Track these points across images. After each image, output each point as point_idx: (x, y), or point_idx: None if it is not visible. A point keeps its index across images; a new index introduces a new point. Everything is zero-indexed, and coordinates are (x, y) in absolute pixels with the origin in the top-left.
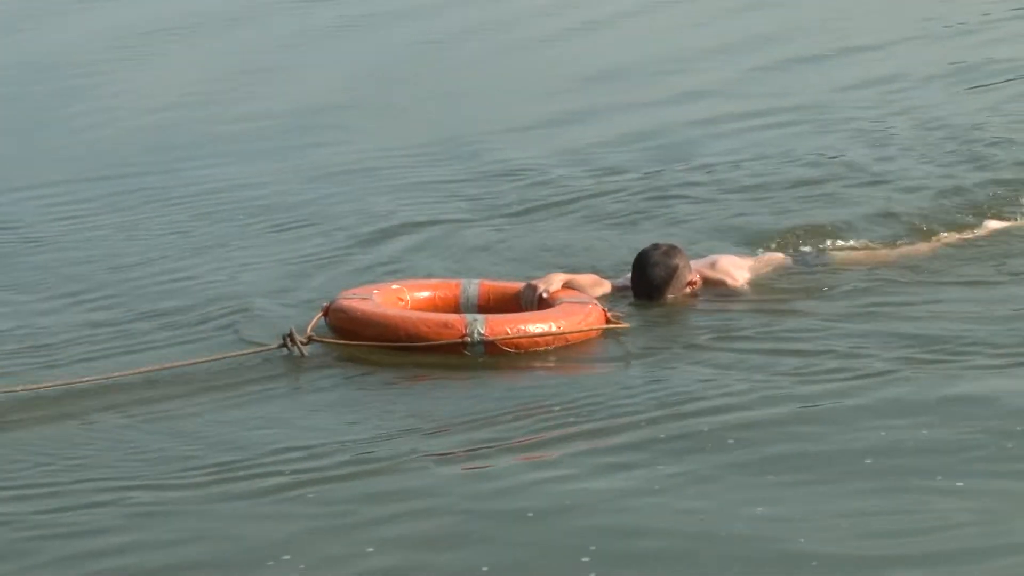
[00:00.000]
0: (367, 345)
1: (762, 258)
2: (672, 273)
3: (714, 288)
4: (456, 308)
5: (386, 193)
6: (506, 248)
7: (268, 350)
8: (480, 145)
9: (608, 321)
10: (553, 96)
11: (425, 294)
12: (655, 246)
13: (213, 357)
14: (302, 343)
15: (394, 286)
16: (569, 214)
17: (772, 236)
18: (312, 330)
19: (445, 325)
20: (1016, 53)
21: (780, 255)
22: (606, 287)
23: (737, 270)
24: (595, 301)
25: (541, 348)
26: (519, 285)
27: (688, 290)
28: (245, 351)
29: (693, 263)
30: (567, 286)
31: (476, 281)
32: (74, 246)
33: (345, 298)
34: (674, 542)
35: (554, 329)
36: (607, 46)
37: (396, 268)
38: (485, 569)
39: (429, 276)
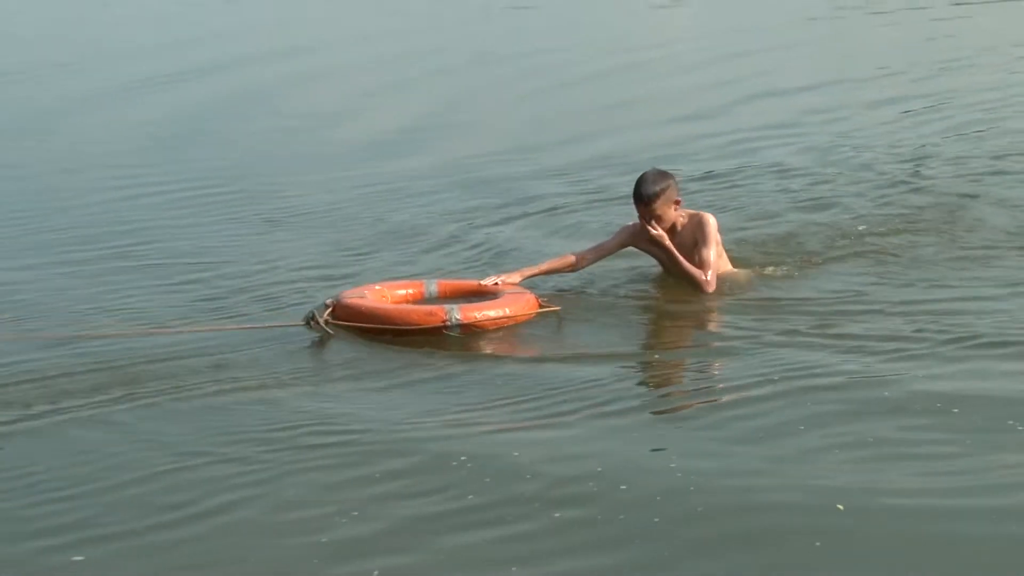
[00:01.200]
0: (374, 329)
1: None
2: (664, 180)
3: (694, 226)
4: (422, 301)
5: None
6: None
7: (294, 325)
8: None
9: (540, 306)
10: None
11: (401, 292)
12: (653, 168)
13: (246, 326)
14: (323, 323)
15: (376, 287)
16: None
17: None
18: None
19: (430, 313)
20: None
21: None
22: (569, 259)
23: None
24: (529, 292)
25: (495, 328)
26: (467, 281)
27: (674, 208)
28: (272, 323)
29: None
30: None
31: (435, 280)
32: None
33: (348, 297)
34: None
35: (506, 313)
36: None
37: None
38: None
39: (396, 279)
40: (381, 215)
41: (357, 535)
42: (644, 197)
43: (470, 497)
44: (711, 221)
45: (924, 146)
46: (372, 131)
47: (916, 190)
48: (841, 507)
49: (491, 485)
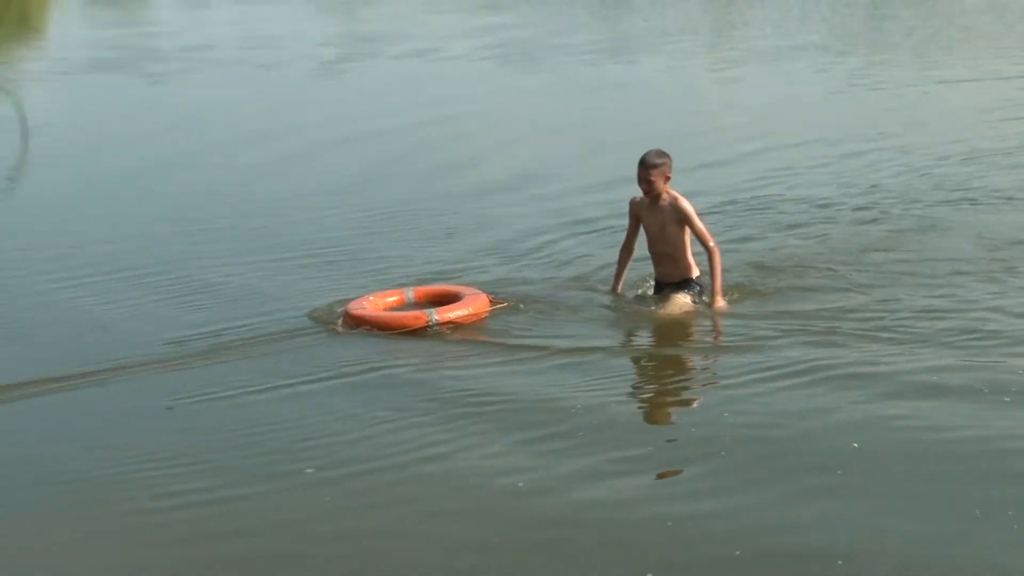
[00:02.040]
0: (376, 332)
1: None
2: (663, 157)
3: (675, 205)
4: (405, 306)
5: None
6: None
7: (332, 328)
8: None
9: (492, 303)
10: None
11: (390, 299)
12: (658, 148)
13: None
14: (338, 329)
15: (371, 297)
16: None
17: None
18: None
19: (416, 318)
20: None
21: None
22: (626, 255)
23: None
24: (483, 294)
25: (463, 323)
26: (436, 287)
27: (664, 182)
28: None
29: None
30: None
31: (412, 288)
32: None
33: (352, 308)
34: None
35: (469, 311)
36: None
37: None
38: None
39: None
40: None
41: (545, 476)
42: (646, 162)
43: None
44: (688, 203)
45: (894, 185)
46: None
47: (881, 218)
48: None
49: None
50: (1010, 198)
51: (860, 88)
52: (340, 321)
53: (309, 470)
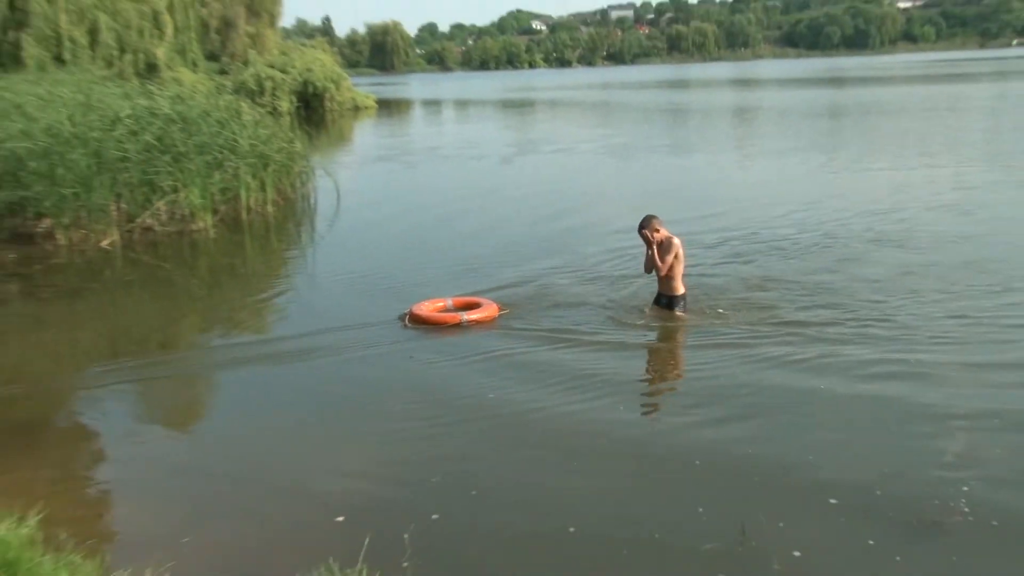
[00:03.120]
0: (432, 328)
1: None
2: (648, 220)
3: (667, 242)
4: (446, 310)
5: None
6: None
7: (402, 322)
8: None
9: (500, 309)
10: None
11: (437, 305)
12: (651, 214)
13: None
14: (406, 324)
15: (426, 304)
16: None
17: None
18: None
19: (454, 317)
20: None
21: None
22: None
23: (675, 248)
24: (495, 303)
25: (481, 322)
26: (467, 298)
27: (657, 232)
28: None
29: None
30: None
31: (451, 298)
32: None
33: (415, 309)
34: None
35: (486, 315)
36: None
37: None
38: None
39: (434, 298)
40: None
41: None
42: (639, 225)
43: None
44: (675, 242)
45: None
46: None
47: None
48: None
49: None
50: (900, 244)
51: (824, 173)
52: (407, 318)
53: (480, 415)
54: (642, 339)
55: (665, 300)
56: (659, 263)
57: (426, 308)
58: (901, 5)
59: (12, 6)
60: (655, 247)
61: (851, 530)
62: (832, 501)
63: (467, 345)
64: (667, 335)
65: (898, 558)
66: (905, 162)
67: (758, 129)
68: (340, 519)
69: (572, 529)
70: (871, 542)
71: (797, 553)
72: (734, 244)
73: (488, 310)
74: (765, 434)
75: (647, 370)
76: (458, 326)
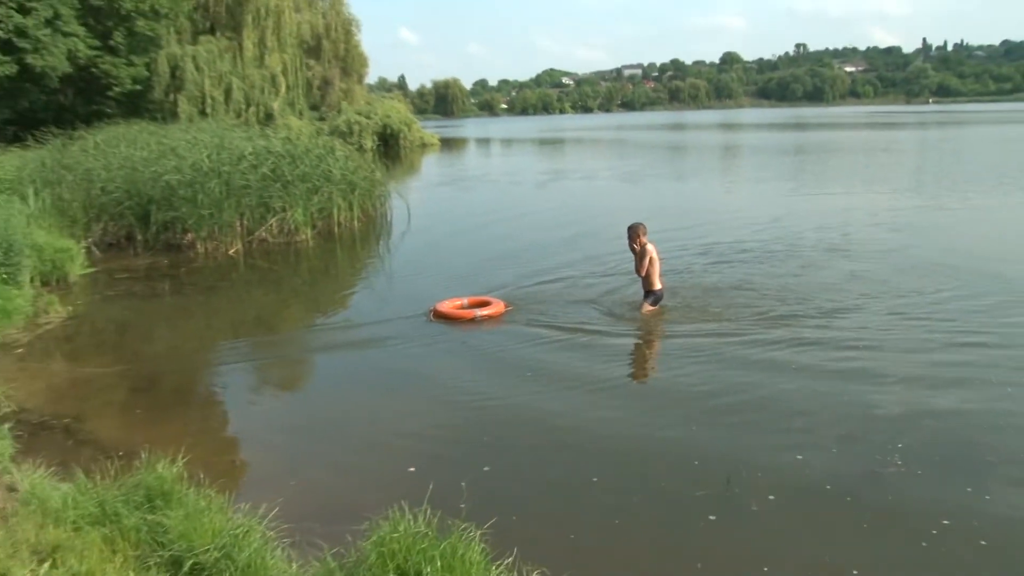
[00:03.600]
0: (452, 322)
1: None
2: (634, 227)
3: (641, 253)
4: (463, 307)
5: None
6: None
7: (428, 317)
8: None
9: (506, 307)
10: None
11: (456, 303)
12: (637, 222)
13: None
14: (431, 319)
15: (446, 302)
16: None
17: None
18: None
19: (471, 315)
20: None
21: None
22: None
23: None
24: (502, 302)
25: (492, 317)
26: (479, 297)
27: (641, 238)
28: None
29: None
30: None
31: (467, 298)
32: None
33: (438, 307)
34: None
35: (496, 311)
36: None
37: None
38: None
39: (453, 298)
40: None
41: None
42: (628, 231)
43: None
44: (648, 248)
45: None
46: None
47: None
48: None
49: None
50: (848, 253)
51: (790, 196)
52: (431, 313)
53: (529, 373)
54: (633, 329)
55: (644, 294)
56: (637, 266)
57: (447, 305)
58: (848, 69)
59: (172, 75)
60: (636, 253)
61: (814, 479)
62: (799, 457)
63: (510, 335)
64: (654, 326)
65: (848, 498)
66: (852, 188)
67: (739, 162)
68: (412, 470)
69: (595, 479)
70: (828, 487)
71: (772, 497)
72: (720, 251)
73: (496, 307)
74: (746, 406)
75: (646, 353)
76: (472, 321)
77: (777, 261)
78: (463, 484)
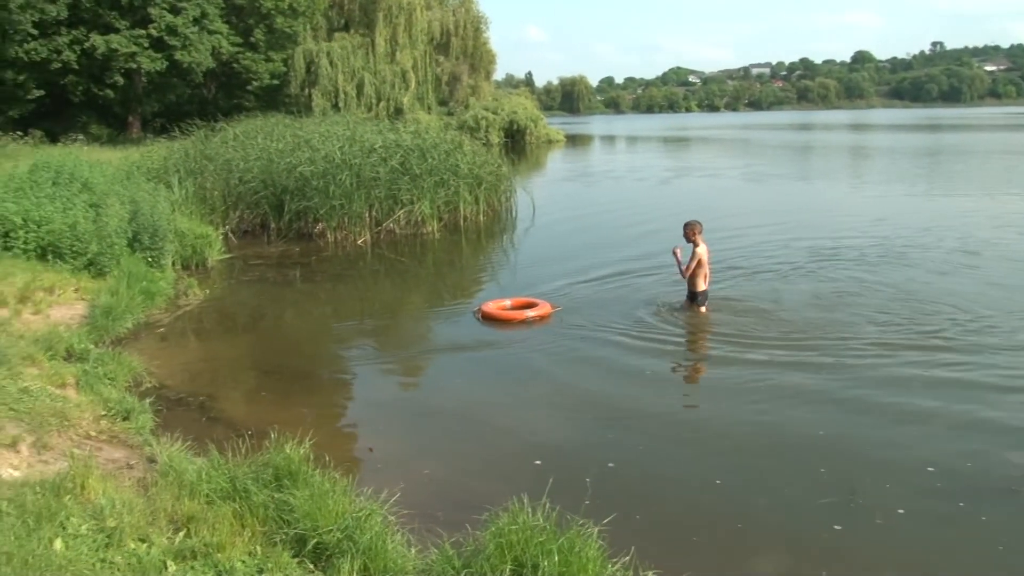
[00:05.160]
0: (499, 323)
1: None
2: (691, 224)
3: (692, 259)
4: (507, 308)
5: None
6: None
7: (476, 316)
8: None
9: (553, 308)
10: None
11: (503, 304)
12: (695, 219)
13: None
14: (479, 319)
15: (491, 303)
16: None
17: None
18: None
19: (520, 315)
20: None
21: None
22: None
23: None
24: (548, 303)
25: (541, 317)
26: (523, 299)
27: (696, 235)
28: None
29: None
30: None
31: (510, 298)
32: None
33: (484, 307)
34: None
35: (544, 312)
36: None
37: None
38: None
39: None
40: None
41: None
42: (684, 227)
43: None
44: (697, 251)
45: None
46: None
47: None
48: None
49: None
50: (983, 258)
51: (922, 199)
52: (480, 314)
53: (648, 372)
54: (761, 334)
55: (688, 295)
56: (681, 268)
57: (492, 306)
58: (988, 68)
59: (308, 71)
60: (677, 255)
61: (946, 495)
62: (930, 470)
63: (628, 334)
64: (780, 331)
65: (983, 518)
66: (992, 192)
67: (868, 163)
68: (537, 463)
69: (718, 481)
70: (961, 504)
71: (901, 511)
72: (850, 252)
73: (544, 308)
74: (873, 416)
75: (774, 359)
76: (524, 322)
77: (906, 264)
78: (587, 480)
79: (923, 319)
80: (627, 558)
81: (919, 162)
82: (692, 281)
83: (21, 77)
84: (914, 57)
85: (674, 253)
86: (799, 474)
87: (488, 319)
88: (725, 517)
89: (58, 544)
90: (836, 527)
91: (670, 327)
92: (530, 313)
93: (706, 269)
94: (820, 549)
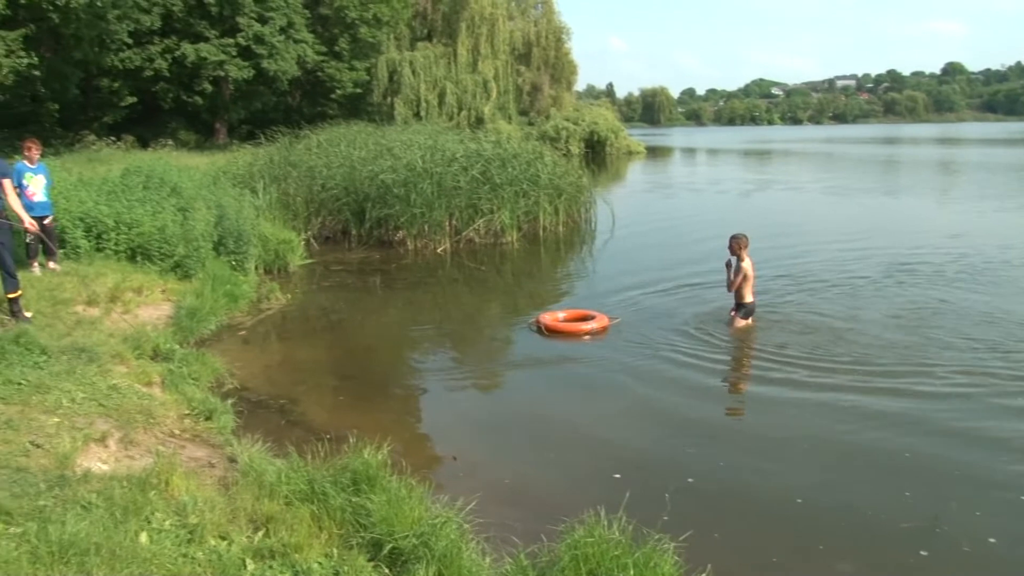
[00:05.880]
0: (558, 335)
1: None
2: (737, 238)
3: (737, 273)
4: (557, 320)
5: None
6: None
7: (530, 327)
8: None
9: (610, 320)
10: None
11: (558, 315)
12: (741, 232)
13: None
14: (537, 330)
15: (547, 315)
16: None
17: None
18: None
19: (580, 327)
20: None
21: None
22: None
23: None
24: (605, 315)
25: (599, 330)
26: (578, 311)
27: (742, 250)
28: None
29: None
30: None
31: (564, 311)
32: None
33: (542, 319)
34: None
35: (601, 325)
36: None
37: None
38: None
39: (553, 310)
40: None
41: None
42: (729, 241)
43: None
44: (743, 265)
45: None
46: None
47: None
48: None
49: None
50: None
51: (1016, 217)
52: (538, 326)
53: (722, 388)
54: (846, 353)
55: (735, 306)
56: (729, 280)
57: (548, 319)
58: None
59: (390, 79)
60: (729, 267)
61: None
62: (1023, 498)
63: (709, 348)
64: (867, 355)
65: None
66: None
67: (958, 179)
68: (616, 476)
69: (799, 500)
70: None
71: (992, 540)
72: (937, 269)
73: (601, 321)
74: (955, 445)
75: (856, 378)
76: (586, 334)
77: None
78: (667, 496)
79: (1014, 345)
80: (703, 575)
81: (1009, 177)
82: (739, 293)
83: (116, 84)
84: (1009, 68)
85: (727, 265)
86: (883, 497)
87: (550, 332)
88: (806, 536)
89: (143, 537)
90: (922, 552)
91: (740, 344)
92: (589, 326)
93: (752, 282)
94: (906, 574)
